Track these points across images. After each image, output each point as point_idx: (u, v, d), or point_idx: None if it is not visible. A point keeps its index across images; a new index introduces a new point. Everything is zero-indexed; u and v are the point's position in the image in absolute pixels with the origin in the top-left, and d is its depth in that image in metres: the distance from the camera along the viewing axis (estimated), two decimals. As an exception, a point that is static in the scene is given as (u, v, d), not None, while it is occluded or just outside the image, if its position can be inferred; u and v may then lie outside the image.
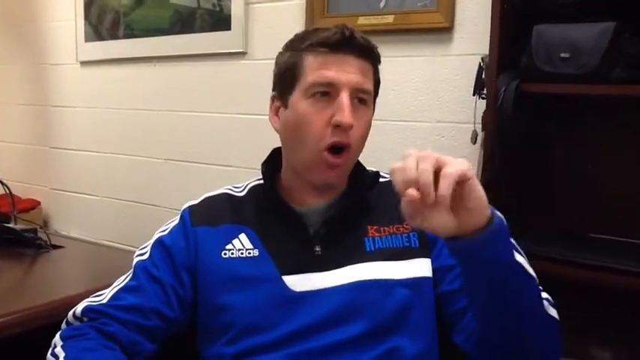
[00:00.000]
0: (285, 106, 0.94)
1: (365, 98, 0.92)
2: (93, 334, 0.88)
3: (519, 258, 0.78)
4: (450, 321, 0.93)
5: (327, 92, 0.89)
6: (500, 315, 0.78)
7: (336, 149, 0.90)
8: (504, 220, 0.74)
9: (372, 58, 0.93)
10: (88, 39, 2.49)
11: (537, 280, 0.82)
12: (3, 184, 1.64)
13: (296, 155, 0.94)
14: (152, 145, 2.34)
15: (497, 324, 0.79)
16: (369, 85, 0.92)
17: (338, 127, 0.88)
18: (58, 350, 0.86)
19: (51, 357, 0.87)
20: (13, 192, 1.67)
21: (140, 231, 2.05)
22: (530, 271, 0.81)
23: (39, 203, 2.71)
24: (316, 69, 0.90)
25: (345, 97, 0.88)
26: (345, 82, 0.88)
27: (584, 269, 1.22)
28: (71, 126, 2.62)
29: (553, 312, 0.85)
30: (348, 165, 0.94)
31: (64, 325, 0.93)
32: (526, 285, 0.79)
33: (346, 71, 0.89)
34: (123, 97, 2.42)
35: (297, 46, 0.93)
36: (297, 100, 0.91)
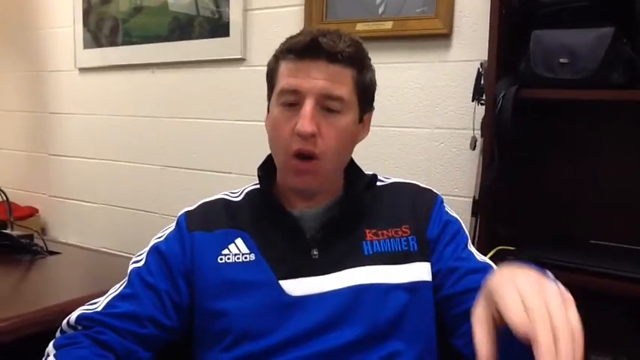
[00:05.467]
0: (268, 110, 0.96)
1: (332, 106, 0.89)
2: (86, 342, 0.87)
3: None
4: (450, 324, 0.92)
5: (293, 100, 0.89)
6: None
7: (303, 156, 0.89)
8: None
9: (344, 62, 0.89)
10: (86, 46, 2.49)
11: None
12: (0, 190, 1.63)
13: (275, 159, 0.95)
14: (150, 152, 2.33)
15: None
16: (340, 91, 0.88)
17: (300, 135, 0.87)
18: (51, 359, 0.85)
19: (44, 365, 0.86)
20: (12, 199, 1.66)
21: (138, 238, 2.03)
22: None
23: (37, 211, 2.70)
24: (286, 76, 0.90)
25: (308, 105, 0.87)
26: (308, 89, 0.87)
27: (584, 275, 1.21)
28: (69, 133, 2.61)
29: None
30: (319, 172, 0.91)
31: (58, 334, 0.92)
32: None
33: (312, 77, 0.87)
34: (121, 103, 2.42)
35: (276, 52, 0.94)
36: (273, 105, 0.93)
